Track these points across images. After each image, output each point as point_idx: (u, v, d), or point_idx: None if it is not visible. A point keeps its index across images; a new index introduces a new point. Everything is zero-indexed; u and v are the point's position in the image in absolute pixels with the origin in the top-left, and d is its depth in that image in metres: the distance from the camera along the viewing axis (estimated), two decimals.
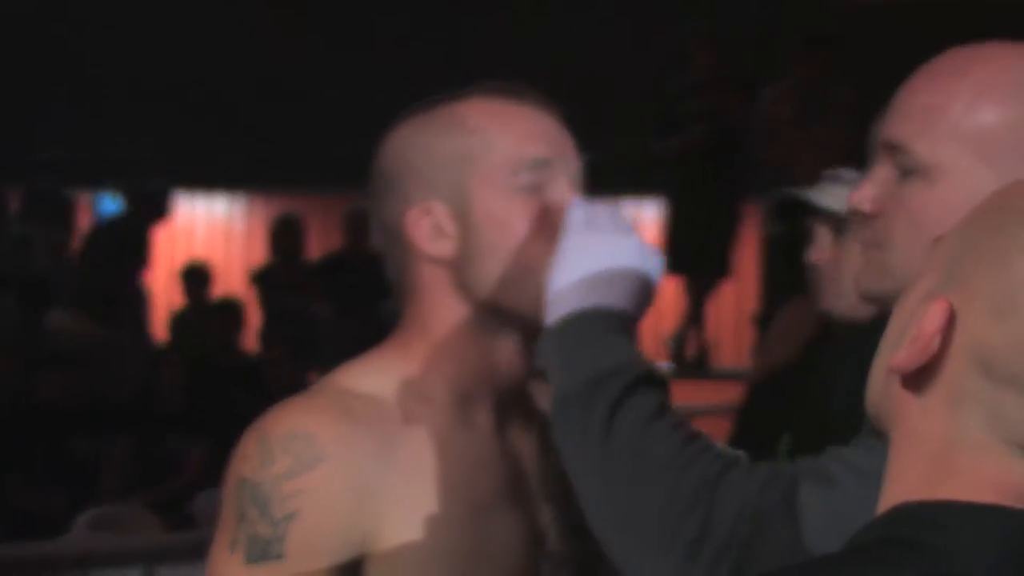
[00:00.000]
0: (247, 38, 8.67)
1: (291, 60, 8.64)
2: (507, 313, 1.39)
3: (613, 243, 1.33)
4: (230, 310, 6.91)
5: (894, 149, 1.23)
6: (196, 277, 7.50)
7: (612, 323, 1.29)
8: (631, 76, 7.87)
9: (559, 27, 8.46)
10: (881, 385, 0.93)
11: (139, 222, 7.62)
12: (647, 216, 8.48)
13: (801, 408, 2.44)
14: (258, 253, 8.40)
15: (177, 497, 5.51)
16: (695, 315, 7.71)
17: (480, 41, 8.19)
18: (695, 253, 7.25)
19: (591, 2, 8.49)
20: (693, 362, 7.72)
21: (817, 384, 2.43)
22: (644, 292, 1.34)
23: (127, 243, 7.51)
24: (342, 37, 8.69)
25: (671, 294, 8.04)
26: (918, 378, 0.89)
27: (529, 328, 1.39)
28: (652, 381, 1.27)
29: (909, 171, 1.21)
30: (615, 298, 1.31)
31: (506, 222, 1.38)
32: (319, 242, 8.36)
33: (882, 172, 1.24)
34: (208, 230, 9.24)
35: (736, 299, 8.30)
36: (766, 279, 7.45)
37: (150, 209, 7.62)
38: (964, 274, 0.88)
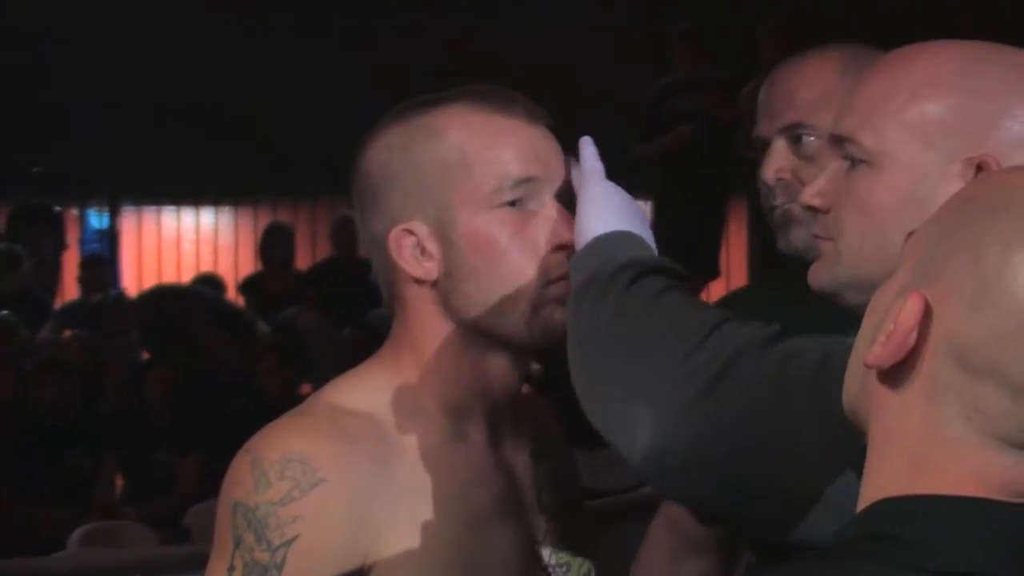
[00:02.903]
0: (232, 50, 8.67)
1: (277, 70, 8.64)
2: (493, 335, 1.38)
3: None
4: (231, 321, 6.90)
5: (842, 141, 1.25)
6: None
7: (643, 242, 1.35)
8: (615, 75, 7.88)
9: (542, 27, 8.47)
10: (858, 381, 0.93)
11: None
12: None
13: None
14: (246, 264, 8.39)
15: (172, 510, 5.50)
16: None
17: (470, 43, 8.20)
18: (683, 253, 7.25)
19: (578, 1, 8.50)
20: None
21: None
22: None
23: None
24: (326, 44, 8.69)
25: None
26: (895, 373, 0.89)
27: (517, 347, 1.40)
28: (679, 276, 1.32)
29: (857, 161, 1.23)
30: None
31: (488, 244, 1.37)
32: (307, 251, 8.35)
33: (832, 166, 1.26)
34: (196, 242, 9.23)
35: None
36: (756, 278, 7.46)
37: None
38: (938, 268, 0.88)
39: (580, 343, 1.29)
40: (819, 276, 1.29)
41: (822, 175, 1.27)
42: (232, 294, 7.95)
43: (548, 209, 1.38)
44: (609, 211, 1.35)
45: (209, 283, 7.80)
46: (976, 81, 1.21)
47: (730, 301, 1.96)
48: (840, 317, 1.39)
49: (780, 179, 1.72)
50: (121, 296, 7.60)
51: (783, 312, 1.77)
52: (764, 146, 1.75)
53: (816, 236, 1.28)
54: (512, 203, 1.37)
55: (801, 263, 1.75)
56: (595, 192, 1.37)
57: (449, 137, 1.38)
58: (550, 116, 1.42)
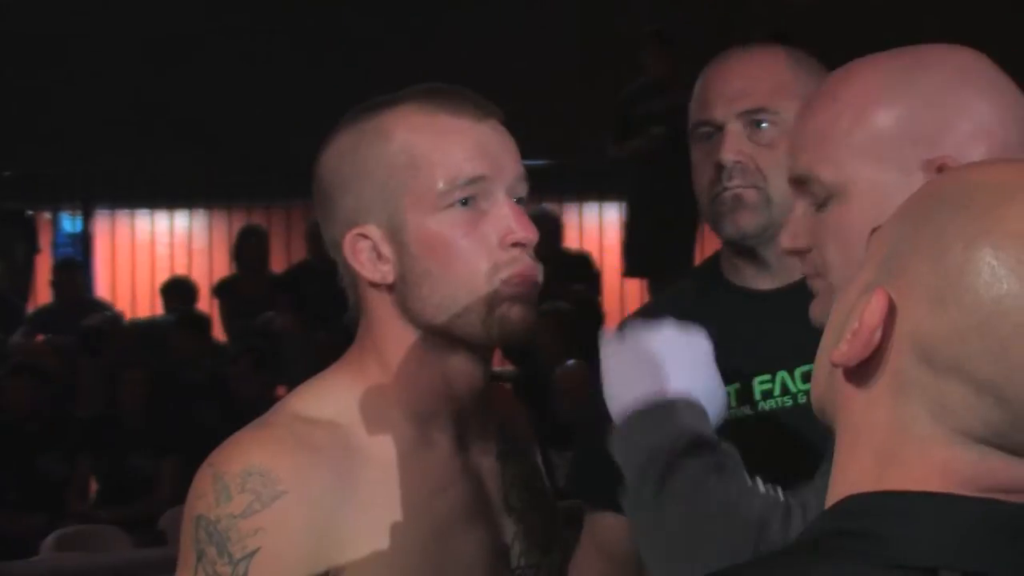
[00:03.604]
0: (207, 55, 8.65)
1: (251, 75, 8.62)
2: (451, 337, 1.38)
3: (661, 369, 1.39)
4: (195, 324, 6.89)
5: (803, 181, 1.26)
6: (180, 292, 7.52)
7: (665, 406, 1.35)
8: (590, 78, 7.89)
9: (515, 29, 8.48)
10: (825, 379, 0.93)
11: None
12: (608, 219, 8.50)
13: None
14: (220, 267, 8.37)
15: (147, 514, 5.49)
16: None
17: (440, 44, 8.20)
18: (656, 255, 7.27)
19: (549, 3, 8.51)
20: None
21: None
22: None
23: None
24: (300, 46, 8.68)
25: (634, 296, 8.06)
26: (861, 370, 0.89)
27: (477, 346, 1.40)
28: (702, 443, 1.33)
29: (824, 198, 1.25)
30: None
31: (441, 245, 1.36)
32: (282, 254, 8.33)
33: (800, 207, 1.28)
34: (170, 246, 9.20)
35: None
36: None
37: None
38: (901, 265, 0.89)
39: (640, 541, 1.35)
40: (822, 314, 1.27)
41: (794, 218, 1.28)
42: (206, 297, 7.93)
43: (499, 207, 1.38)
44: (629, 376, 1.38)
45: (180, 287, 7.75)
46: (916, 88, 1.22)
47: (670, 299, 1.94)
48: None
49: (738, 162, 1.72)
50: (117, 320, 7.52)
51: (716, 301, 1.79)
52: (714, 131, 1.75)
53: (806, 274, 1.29)
54: (463, 202, 1.36)
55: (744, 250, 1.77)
56: (613, 359, 1.40)
57: (396, 139, 1.37)
58: (501, 111, 1.41)
